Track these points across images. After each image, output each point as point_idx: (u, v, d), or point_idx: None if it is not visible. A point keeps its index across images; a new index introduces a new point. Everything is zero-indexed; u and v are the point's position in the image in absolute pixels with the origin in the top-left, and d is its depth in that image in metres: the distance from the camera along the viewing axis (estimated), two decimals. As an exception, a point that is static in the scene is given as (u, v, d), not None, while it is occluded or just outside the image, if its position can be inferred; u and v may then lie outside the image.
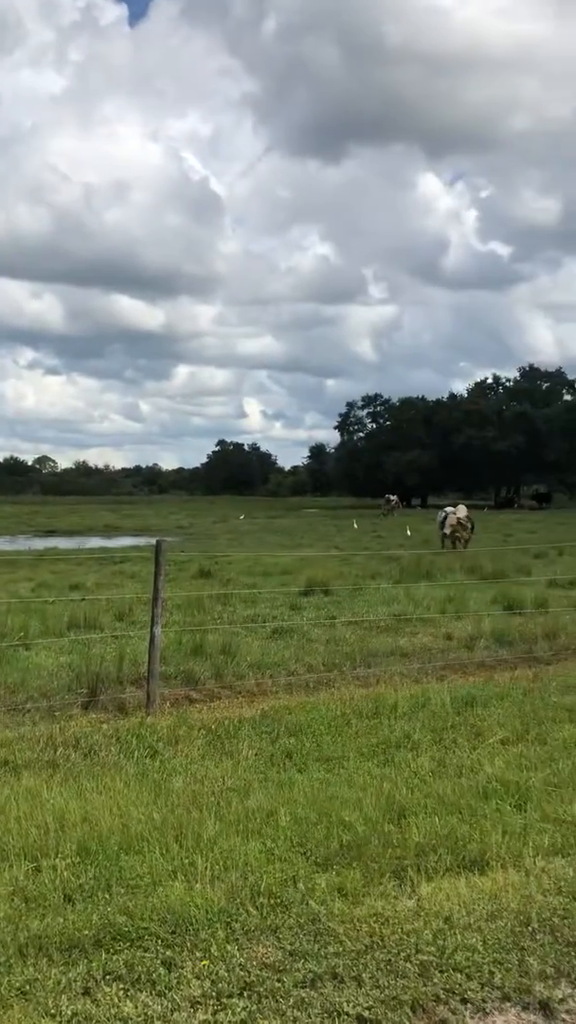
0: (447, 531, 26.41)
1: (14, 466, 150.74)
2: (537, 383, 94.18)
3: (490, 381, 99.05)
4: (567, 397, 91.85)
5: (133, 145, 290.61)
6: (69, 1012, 3.36)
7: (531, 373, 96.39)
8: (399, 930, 3.98)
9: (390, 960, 3.75)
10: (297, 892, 4.27)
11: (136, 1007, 3.40)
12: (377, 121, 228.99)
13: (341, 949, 3.82)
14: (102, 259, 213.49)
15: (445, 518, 26.45)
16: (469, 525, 25.84)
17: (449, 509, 27.13)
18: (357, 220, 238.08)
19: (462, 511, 26.65)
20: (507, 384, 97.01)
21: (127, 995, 3.48)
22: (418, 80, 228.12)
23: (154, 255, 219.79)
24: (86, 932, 3.86)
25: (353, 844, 4.77)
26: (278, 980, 3.59)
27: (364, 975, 3.64)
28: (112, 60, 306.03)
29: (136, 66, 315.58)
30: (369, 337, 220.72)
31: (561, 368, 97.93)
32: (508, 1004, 3.54)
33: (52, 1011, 3.36)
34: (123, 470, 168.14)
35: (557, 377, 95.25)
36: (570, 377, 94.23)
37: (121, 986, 3.53)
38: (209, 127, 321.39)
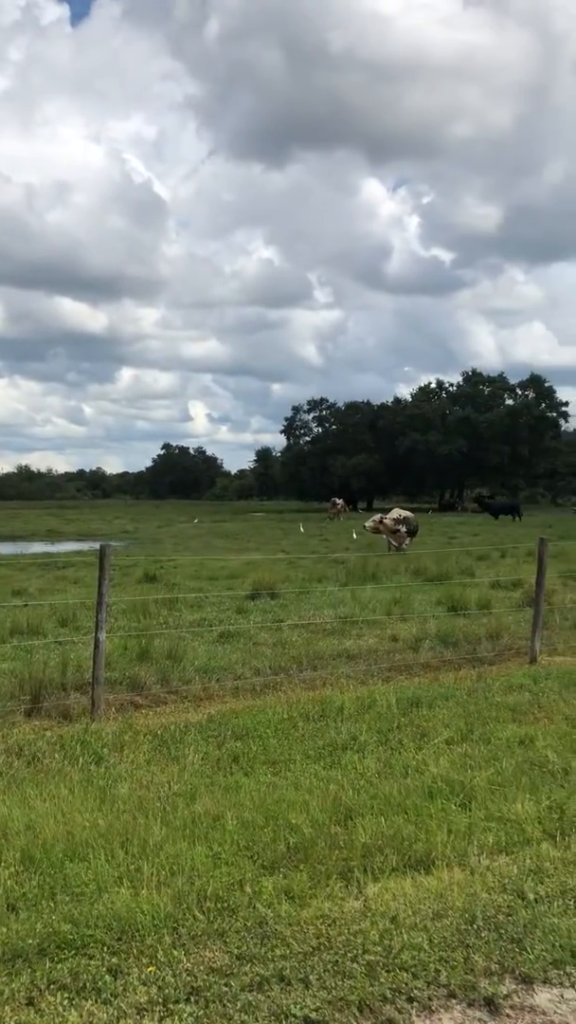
0: (367, 525, 26.28)
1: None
2: (479, 388, 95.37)
3: (434, 386, 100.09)
4: (508, 402, 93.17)
5: (75, 146, 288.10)
6: (12, 1023, 3.31)
7: (473, 378, 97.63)
8: (346, 931, 3.99)
9: (337, 961, 3.76)
10: (244, 896, 4.26)
11: (81, 1016, 3.37)
12: (321, 126, 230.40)
13: (288, 951, 3.82)
14: (44, 261, 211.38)
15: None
16: (401, 528, 25.50)
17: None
18: (301, 224, 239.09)
19: (394, 513, 26.48)
20: (450, 389, 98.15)
21: (72, 1004, 3.44)
22: (361, 86, 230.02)
23: (97, 257, 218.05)
24: (30, 941, 3.80)
25: (300, 846, 4.77)
26: (225, 984, 3.58)
27: (311, 977, 3.64)
28: (54, 60, 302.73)
29: (78, 67, 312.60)
30: (314, 341, 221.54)
31: (503, 373, 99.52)
32: (454, 1001, 3.58)
33: (-5, 1023, 3.31)
34: (66, 474, 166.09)
35: (499, 382, 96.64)
36: (511, 382, 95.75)
37: (66, 995, 3.49)
38: (152, 129, 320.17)
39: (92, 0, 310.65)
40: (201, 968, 3.68)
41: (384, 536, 26.41)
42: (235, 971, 3.67)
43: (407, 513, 27.13)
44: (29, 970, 3.64)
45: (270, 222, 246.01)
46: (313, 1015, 3.41)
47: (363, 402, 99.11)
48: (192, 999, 3.48)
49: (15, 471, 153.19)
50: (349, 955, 3.80)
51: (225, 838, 4.85)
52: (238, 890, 4.31)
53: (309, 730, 7.23)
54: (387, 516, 26.04)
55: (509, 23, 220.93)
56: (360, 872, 4.57)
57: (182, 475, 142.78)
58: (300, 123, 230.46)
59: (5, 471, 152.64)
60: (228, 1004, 3.46)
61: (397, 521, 25.45)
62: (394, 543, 25.32)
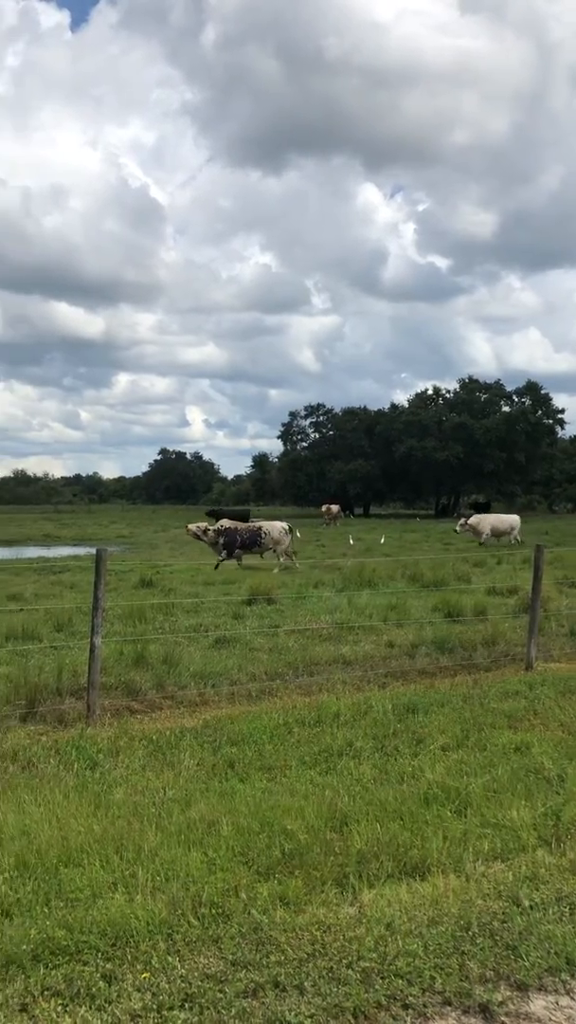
0: (191, 528, 23.94)
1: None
2: (476, 395, 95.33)
3: (430, 392, 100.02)
4: (505, 409, 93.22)
5: (73, 151, 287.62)
6: (6, 1029, 3.30)
7: (470, 385, 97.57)
8: (341, 937, 3.98)
9: (332, 968, 3.75)
10: (239, 902, 4.25)
11: (75, 1022, 3.35)
12: (317, 133, 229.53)
13: (283, 958, 3.81)
14: (41, 265, 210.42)
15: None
16: (220, 540, 22.62)
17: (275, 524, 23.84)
18: (299, 230, 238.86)
19: (223, 522, 23.89)
20: (447, 395, 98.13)
21: (66, 1010, 3.43)
22: (358, 93, 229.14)
23: (94, 262, 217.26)
24: (24, 947, 3.79)
25: (295, 852, 4.76)
26: (220, 991, 3.56)
27: (306, 983, 3.63)
28: (52, 65, 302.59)
29: (76, 72, 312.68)
30: (312, 347, 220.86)
31: (499, 380, 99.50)
32: (449, 1008, 3.57)
33: (-12, 1029, 3.30)
34: (63, 479, 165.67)
35: (495, 389, 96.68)
36: (508, 389, 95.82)
37: (60, 1001, 3.48)
38: (150, 135, 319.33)
39: (92, 6, 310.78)
40: (196, 974, 3.67)
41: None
42: (230, 977, 3.66)
43: (255, 524, 24.04)
44: (23, 976, 3.62)
45: (267, 228, 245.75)
46: (308, 1022, 3.40)
47: (360, 408, 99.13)
48: (186, 1005, 3.47)
49: (11, 476, 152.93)
50: (344, 962, 3.79)
51: (220, 844, 4.84)
52: (233, 896, 4.30)
53: (305, 736, 7.22)
54: (212, 527, 23.44)
55: (506, 30, 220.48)
56: (355, 878, 4.56)
57: (179, 480, 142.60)
58: (297, 129, 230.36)
59: (1, 476, 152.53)
60: (223, 1011, 3.44)
61: (218, 532, 22.92)
62: (215, 555, 22.93)
